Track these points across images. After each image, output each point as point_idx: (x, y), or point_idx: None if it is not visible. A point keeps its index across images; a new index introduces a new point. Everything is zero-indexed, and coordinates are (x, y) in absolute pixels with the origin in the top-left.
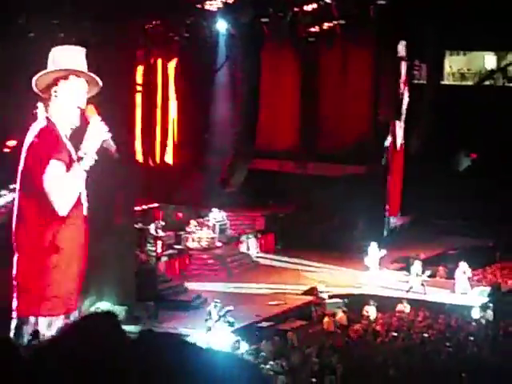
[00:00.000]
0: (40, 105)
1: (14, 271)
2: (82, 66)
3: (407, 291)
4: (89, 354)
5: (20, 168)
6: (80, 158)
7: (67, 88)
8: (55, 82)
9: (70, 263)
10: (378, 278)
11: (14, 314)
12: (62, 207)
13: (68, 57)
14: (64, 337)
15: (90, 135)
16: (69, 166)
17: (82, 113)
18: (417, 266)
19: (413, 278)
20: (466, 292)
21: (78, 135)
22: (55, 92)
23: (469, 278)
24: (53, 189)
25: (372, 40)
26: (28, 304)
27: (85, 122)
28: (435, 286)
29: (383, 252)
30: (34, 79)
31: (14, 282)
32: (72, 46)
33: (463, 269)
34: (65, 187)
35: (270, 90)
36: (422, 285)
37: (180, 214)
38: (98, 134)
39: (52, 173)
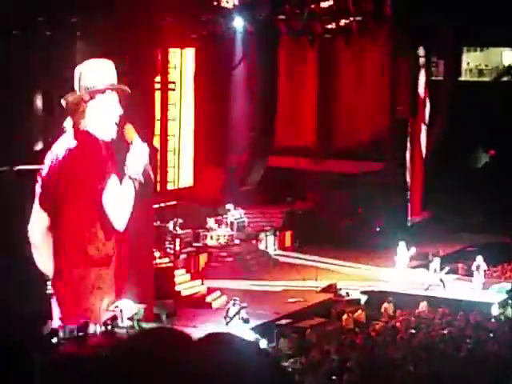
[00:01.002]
0: (68, 119)
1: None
2: (111, 80)
3: (426, 289)
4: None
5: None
6: (131, 178)
7: (97, 106)
8: (90, 97)
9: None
10: (404, 276)
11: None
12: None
13: (98, 74)
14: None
15: (134, 156)
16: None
17: (121, 130)
18: (435, 262)
19: (431, 275)
20: (481, 286)
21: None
22: (86, 112)
23: (484, 272)
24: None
25: (389, 37)
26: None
27: (123, 141)
28: (454, 283)
29: (412, 250)
30: (63, 99)
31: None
32: (99, 60)
33: (478, 263)
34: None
35: (286, 87)
36: (441, 281)
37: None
38: (142, 155)
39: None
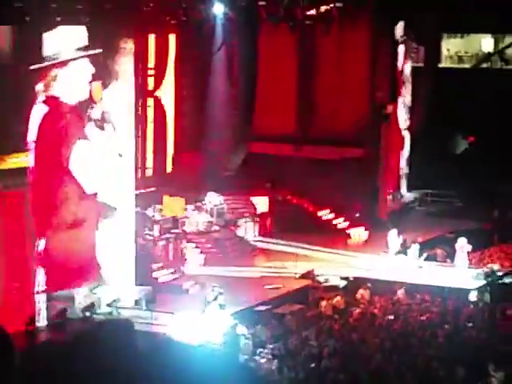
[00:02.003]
0: (40, 85)
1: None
2: (82, 43)
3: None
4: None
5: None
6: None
7: (69, 75)
8: (63, 64)
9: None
10: (395, 262)
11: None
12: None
13: (65, 40)
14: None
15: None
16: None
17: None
18: (414, 249)
19: (410, 261)
20: (465, 267)
21: None
22: (56, 76)
23: (468, 253)
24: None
25: (369, 23)
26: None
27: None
28: (433, 269)
29: (401, 238)
30: (32, 68)
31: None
32: (69, 26)
33: (461, 244)
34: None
35: (267, 73)
36: (420, 267)
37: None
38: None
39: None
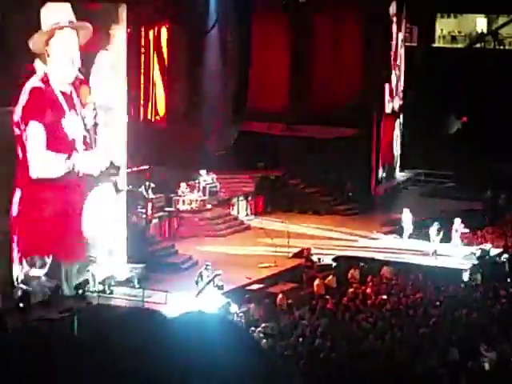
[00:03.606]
0: (37, 61)
1: None
2: (67, 18)
3: (432, 254)
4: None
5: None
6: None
7: (57, 44)
8: (47, 43)
9: None
10: (409, 244)
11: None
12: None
13: (52, 14)
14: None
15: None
16: (54, 125)
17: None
18: (434, 228)
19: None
20: (457, 246)
21: None
22: (48, 52)
23: (462, 234)
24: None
25: (363, 2)
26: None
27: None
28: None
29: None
30: (29, 42)
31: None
32: (56, 2)
33: (456, 226)
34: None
35: (260, 52)
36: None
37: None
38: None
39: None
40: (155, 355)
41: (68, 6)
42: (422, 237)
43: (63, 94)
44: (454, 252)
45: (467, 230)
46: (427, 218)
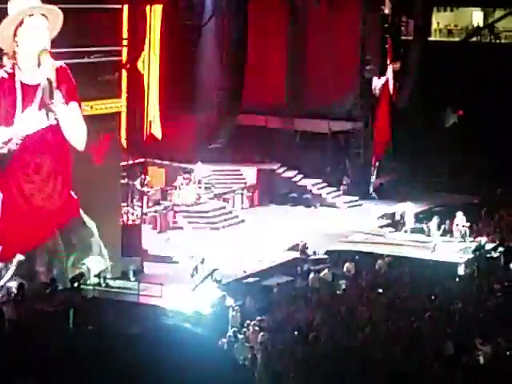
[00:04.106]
0: (4, 58)
1: None
2: (36, 3)
3: (433, 248)
4: None
5: None
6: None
7: (25, 32)
8: (15, 33)
9: None
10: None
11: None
12: None
13: (19, 1)
14: None
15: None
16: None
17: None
18: (434, 222)
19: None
20: (459, 240)
21: None
22: (16, 42)
23: (463, 227)
24: None
25: None
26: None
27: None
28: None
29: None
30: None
31: None
32: None
33: (458, 220)
34: None
35: (256, 45)
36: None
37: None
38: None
39: None
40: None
41: None
42: (422, 230)
43: (27, 86)
44: (452, 246)
45: (468, 224)
46: (427, 211)
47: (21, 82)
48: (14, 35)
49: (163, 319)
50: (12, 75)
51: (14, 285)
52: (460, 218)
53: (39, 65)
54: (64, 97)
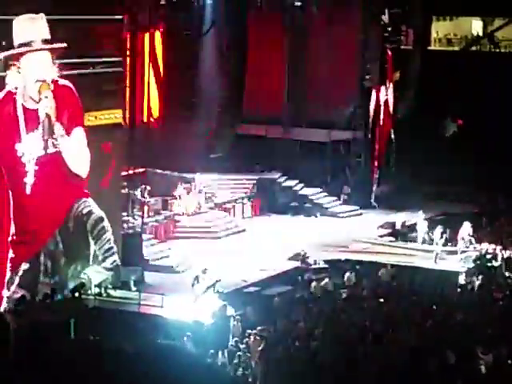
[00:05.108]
0: (9, 72)
1: None
2: (41, 36)
3: (435, 257)
4: None
5: None
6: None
7: (27, 63)
8: (17, 58)
9: None
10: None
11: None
12: None
13: (23, 32)
14: None
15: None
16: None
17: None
18: (438, 231)
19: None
20: (466, 251)
21: None
22: (18, 68)
23: (469, 236)
24: None
25: (358, 5)
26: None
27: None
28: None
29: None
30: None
31: None
32: (31, 14)
33: (464, 229)
34: None
35: (256, 55)
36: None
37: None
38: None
39: None
40: None
41: (42, 21)
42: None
43: (28, 111)
44: (454, 255)
45: (471, 233)
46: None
47: (23, 106)
48: (17, 60)
49: (161, 336)
50: (13, 99)
51: (17, 295)
52: (467, 227)
53: (39, 100)
54: (65, 126)
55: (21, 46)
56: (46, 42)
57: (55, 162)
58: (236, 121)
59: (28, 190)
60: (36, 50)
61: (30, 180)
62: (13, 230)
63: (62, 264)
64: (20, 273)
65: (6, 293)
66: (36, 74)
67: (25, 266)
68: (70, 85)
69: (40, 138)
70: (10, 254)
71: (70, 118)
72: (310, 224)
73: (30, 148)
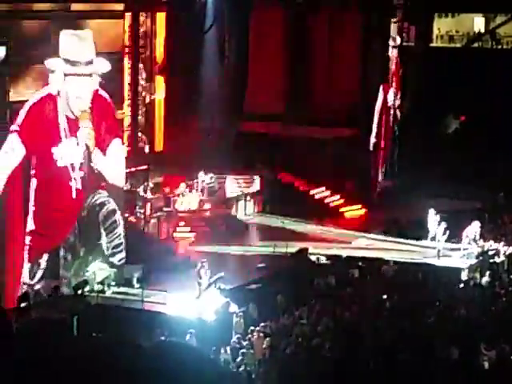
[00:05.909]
0: (51, 78)
1: None
2: (86, 58)
3: (438, 254)
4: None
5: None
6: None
7: (69, 87)
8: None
9: None
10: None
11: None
12: None
13: (71, 48)
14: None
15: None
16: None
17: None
18: (440, 228)
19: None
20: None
21: None
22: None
23: (475, 233)
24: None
25: (360, 1)
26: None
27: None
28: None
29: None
30: (46, 63)
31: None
32: (78, 31)
33: (472, 228)
34: None
35: (258, 52)
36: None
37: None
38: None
39: None
40: None
41: (89, 41)
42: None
43: (69, 119)
44: (457, 251)
45: (478, 231)
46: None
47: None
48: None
49: (165, 333)
50: (55, 102)
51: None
52: (475, 227)
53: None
54: (103, 137)
55: (66, 61)
56: (89, 63)
57: (92, 171)
58: (238, 119)
59: (65, 192)
60: (77, 75)
61: (71, 184)
62: (31, 224)
63: (82, 254)
64: (43, 265)
65: (27, 281)
66: (77, 92)
67: (45, 257)
68: (107, 96)
69: (76, 146)
70: (27, 244)
71: (108, 130)
72: (313, 221)
73: (68, 152)
